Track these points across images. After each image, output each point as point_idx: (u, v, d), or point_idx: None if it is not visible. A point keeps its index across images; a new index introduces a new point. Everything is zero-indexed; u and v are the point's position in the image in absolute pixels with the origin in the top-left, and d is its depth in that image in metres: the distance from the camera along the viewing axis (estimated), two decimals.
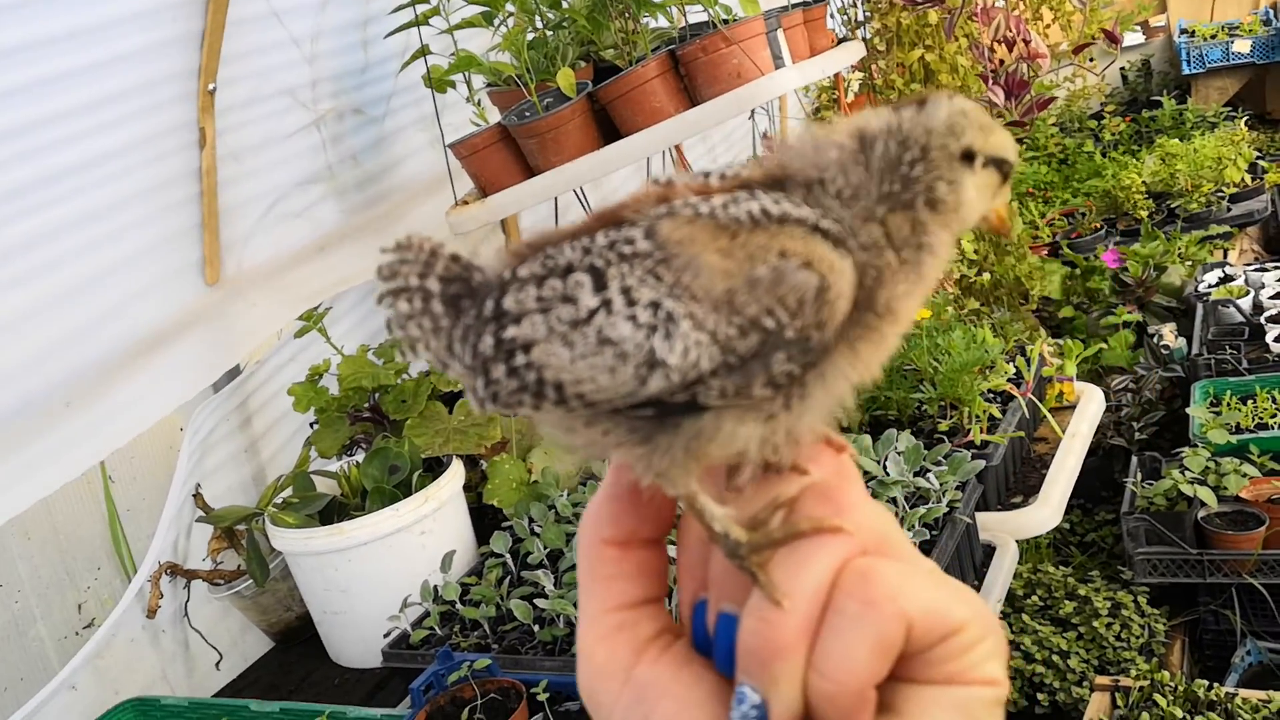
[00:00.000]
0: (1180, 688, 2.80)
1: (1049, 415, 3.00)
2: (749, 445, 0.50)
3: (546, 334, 0.50)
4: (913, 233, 0.51)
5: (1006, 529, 2.56)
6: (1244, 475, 3.39)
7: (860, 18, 4.12)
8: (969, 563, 2.38)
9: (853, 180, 0.51)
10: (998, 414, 2.78)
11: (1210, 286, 4.84)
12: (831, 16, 3.62)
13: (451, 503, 2.75)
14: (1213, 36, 7.80)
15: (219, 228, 2.87)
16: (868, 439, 2.45)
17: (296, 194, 3.15)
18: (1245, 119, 6.99)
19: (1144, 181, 6.16)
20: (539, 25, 2.98)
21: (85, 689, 2.59)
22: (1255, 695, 2.77)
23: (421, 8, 2.89)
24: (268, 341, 3.17)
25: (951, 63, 3.99)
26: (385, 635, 2.52)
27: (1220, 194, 5.94)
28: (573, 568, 2.46)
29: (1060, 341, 3.67)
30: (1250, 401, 3.80)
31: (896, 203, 0.51)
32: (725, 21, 2.71)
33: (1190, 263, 5.28)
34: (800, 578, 0.47)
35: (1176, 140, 6.58)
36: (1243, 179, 6.02)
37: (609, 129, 2.81)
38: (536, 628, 2.35)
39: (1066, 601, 3.53)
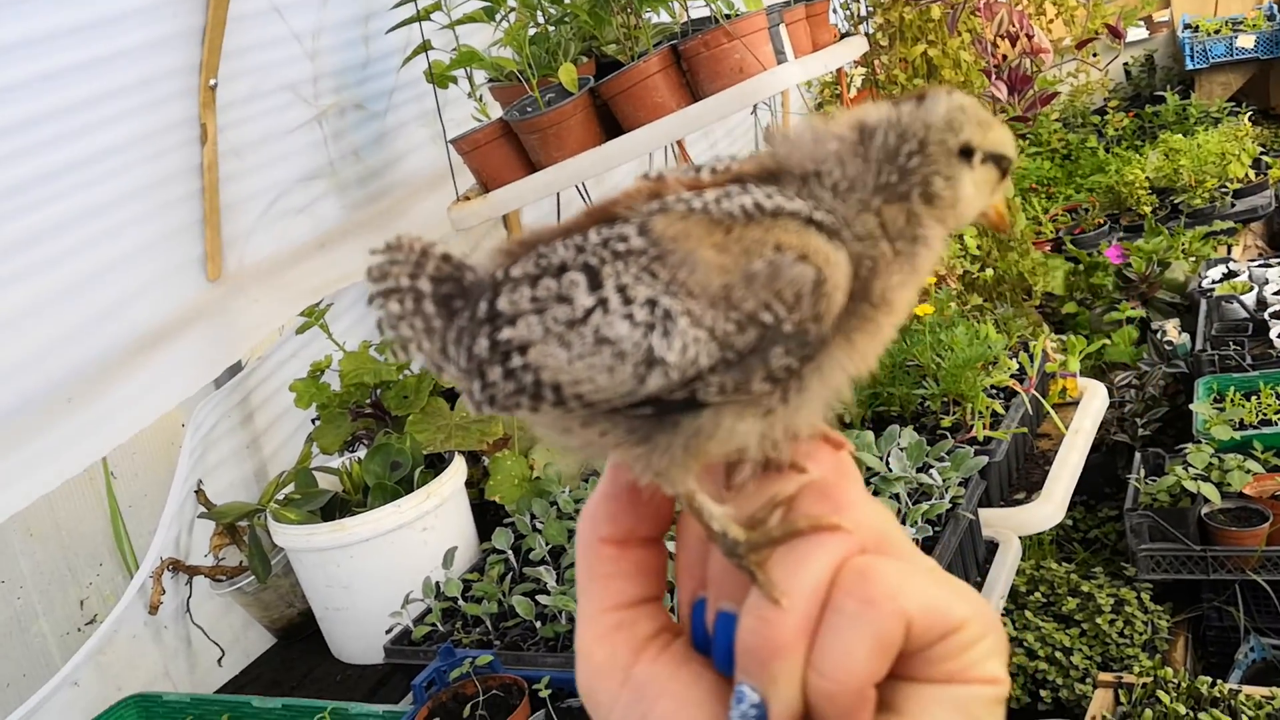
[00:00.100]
0: (1183, 684, 2.80)
1: (1052, 411, 2.99)
2: (748, 441, 0.50)
3: (543, 335, 0.49)
4: (907, 225, 0.51)
5: (1009, 525, 2.56)
6: (1247, 471, 3.39)
7: (863, 12, 4.11)
8: (972, 559, 2.37)
9: (849, 172, 0.51)
10: (1000, 410, 2.77)
11: (1214, 282, 4.83)
12: (834, 11, 3.61)
13: (453, 499, 2.75)
14: (1216, 31, 7.78)
15: (220, 223, 2.86)
16: (870, 435, 2.45)
17: (298, 190, 3.15)
18: (1249, 114, 6.97)
19: (1147, 177, 6.15)
20: (541, 20, 2.97)
21: (87, 685, 2.59)
22: (1259, 692, 2.76)
23: (423, 3, 2.89)
24: (269, 337, 3.17)
25: (954, 58, 3.98)
26: (387, 632, 2.51)
27: (1224, 189, 5.92)
28: (575, 564, 2.46)
29: (1063, 337, 3.66)
30: (1254, 397, 3.79)
31: (892, 195, 0.51)
32: (727, 16, 2.70)
33: (1194, 258, 5.27)
34: (799, 576, 0.47)
35: (1180, 136, 6.56)
36: (1246, 174, 6.00)
37: (611, 124, 2.80)
38: (538, 624, 2.35)
39: (1069, 598, 3.52)
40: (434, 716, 2.09)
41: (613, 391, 0.49)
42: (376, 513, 2.61)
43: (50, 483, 2.45)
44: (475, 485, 2.98)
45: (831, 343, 0.50)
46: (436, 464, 2.82)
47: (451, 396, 2.96)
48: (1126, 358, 4.65)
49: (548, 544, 2.57)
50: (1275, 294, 4.57)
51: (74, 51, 2.30)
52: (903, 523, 2.19)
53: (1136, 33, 8.35)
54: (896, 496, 2.29)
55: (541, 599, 2.34)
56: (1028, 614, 3.50)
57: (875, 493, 2.29)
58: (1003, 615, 3.53)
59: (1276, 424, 3.66)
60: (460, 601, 2.50)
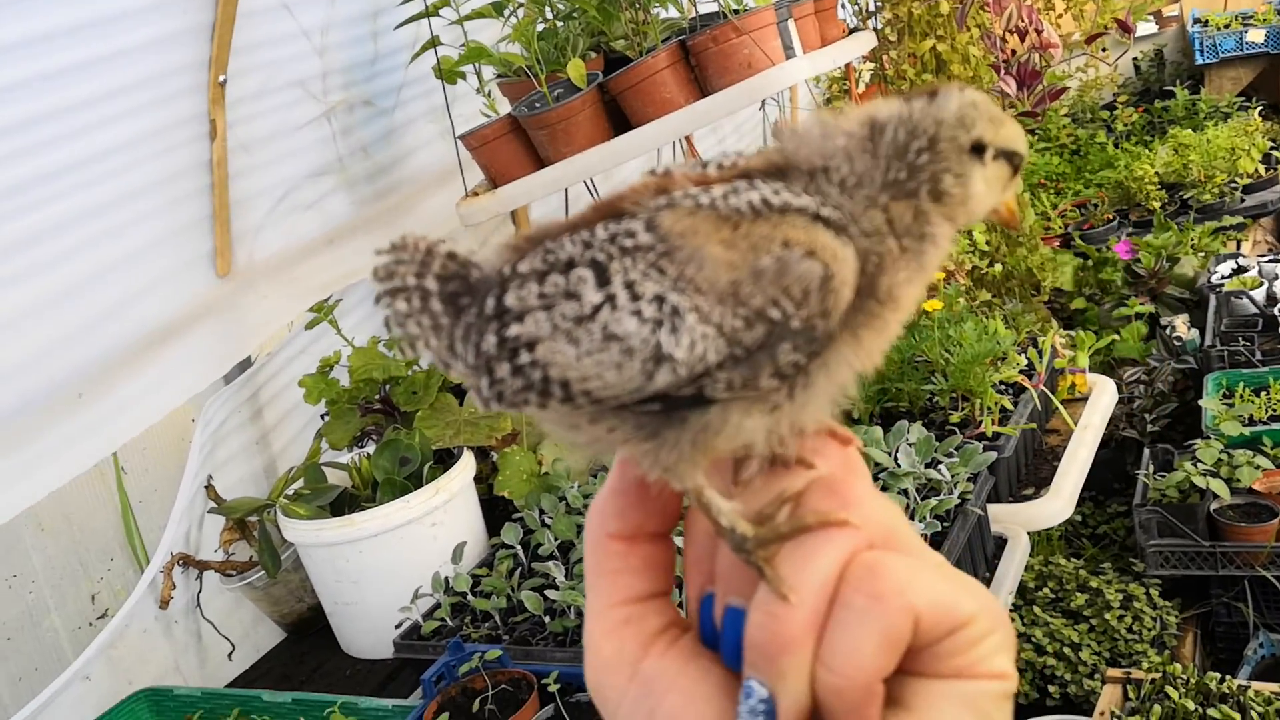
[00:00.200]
0: (1192, 680, 2.79)
1: (1061, 407, 2.99)
2: (755, 437, 0.50)
3: (551, 331, 0.49)
4: (915, 222, 0.51)
5: (1018, 521, 2.56)
6: (1257, 467, 3.38)
7: (871, 7, 4.10)
8: (980, 555, 2.37)
9: (857, 168, 0.51)
10: (1009, 406, 2.77)
11: (1223, 278, 4.81)
12: (842, 6, 3.61)
13: (462, 494, 2.76)
14: (1226, 26, 7.74)
15: (230, 219, 2.87)
16: (879, 430, 2.45)
17: (307, 186, 3.15)
18: (1259, 109, 6.94)
19: (1157, 172, 6.13)
20: (549, 16, 2.97)
21: (99, 679, 2.60)
22: (1268, 688, 2.76)
23: None
24: (279, 333, 3.17)
25: (963, 53, 3.97)
26: (396, 626, 2.52)
27: (1234, 185, 5.90)
28: (583, 559, 2.46)
29: (1072, 333, 3.66)
30: (1263, 393, 3.78)
31: (901, 191, 0.51)
32: (736, 11, 2.70)
33: (1203, 254, 5.25)
34: (806, 572, 0.47)
35: (1189, 131, 6.54)
36: (1256, 170, 5.98)
37: (619, 120, 2.81)
38: (547, 619, 2.35)
39: (1078, 594, 3.52)
40: (443, 711, 2.09)
41: (621, 388, 0.49)
42: (385, 508, 2.62)
43: (61, 478, 2.46)
44: (484, 480, 2.99)
45: (838, 339, 0.50)
46: (445, 459, 2.83)
47: (460, 392, 2.96)
48: (1135, 353, 4.64)
49: (556, 539, 2.58)
50: None
51: (84, 48, 2.30)
52: (911, 518, 2.19)
53: (1146, 27, 8.32)
54: (905, 492, 2.28)
55: (550, 594, 2.35)
56: (1036, 610, 3.50)
57: (884, 488, 2.29)
58: (1011, 611, 3.53)
59: None
60: (469, 596, 2.51)
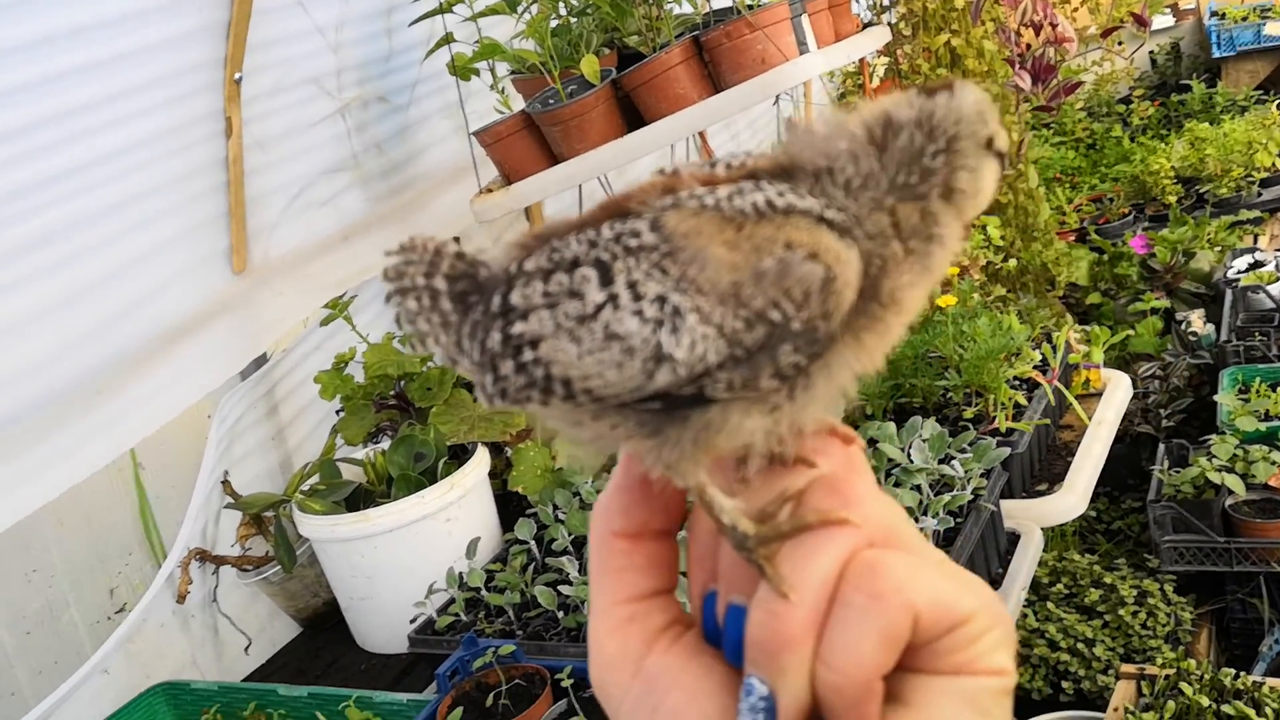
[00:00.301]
0: (1206, 676, 2.79)
1: (1075, 402, 2.98)
2: (755, 437, 0.50)
3: (554, 329, 0.50)
4: (923, 222, 0.51)
5: (1031, 516, 2.55)
6: (1272, 463, 3.36)
7: (886, 2, 4.09)
8: (993, 550, 2.37)
9: (862, 169, 0.50)
10: (1023, 401, 2.77)
11: (1239, 272, 4.79)
12: (856, 1, 3.60)
13: (476, 490, 2.77)
14: (1243, 19, 7.70)
15: (245, 217, 2.89)
16: (892, 426, 2.45)
17: (322, 182, 3.17)
18: (1276, 103, 6.90)
19: (1173, 166, 6.10)
20: (563, 12, 2.98)
21: (117, 673, 2.62)
22: None
23: None
24: (294, 329, 3.19)
25: (978, 47, 3.96)
26: (411, 621, 2.54)
27: (1250, 179, 5.87)
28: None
29: (1088, 328, 3.64)
30: (1279, 388, 3.77)
31: (909, 194, 0.51)
32: (749, 7, 2.69)
33: (1219, 248, 5.22)
34: (807, 570, 0.47)
35: (1206, 124, 6.51)
36: (1273, 163, 5.95)
37: (633, 116, 2.81)
38: (560, 614, 2.36)
39: (1092, 589, 3.51)
40: (457, 705, 2.10)
41: (621, 387, 0.49)
42: (400, 503, 2.63)
43: (80, 473, 2.48)
44: (498, 476, 3.00)
45: (840, 341, 0.50)
46: (460, 455, 2.84)
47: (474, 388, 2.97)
48: (1151, 348, 4.62)
49: (570, 534, 2.59)
50: None
51: (100, 47, 2.32)
52: (924, 514, 2.19)
53: (1163, 20, 8.28)
54: (918, 488, 2.29)
55: (564, 589, 2.36)
56: (1050, 605, 3.49)
57: (896, 484, 2.29)
58: (1025, 606, 3.53)
59: None
60: (483, 592, 2.52)
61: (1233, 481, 3.32)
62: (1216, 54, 7.76)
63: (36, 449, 2.37)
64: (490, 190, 3.01)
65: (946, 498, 2.24)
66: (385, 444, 2.91)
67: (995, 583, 2.34)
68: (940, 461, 2.38)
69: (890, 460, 2.37)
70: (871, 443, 2.42)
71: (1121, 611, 3.39)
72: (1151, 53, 8.52)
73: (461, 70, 2.99)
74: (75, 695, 2.50)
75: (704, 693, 0.50)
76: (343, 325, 3.05)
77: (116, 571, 2.82)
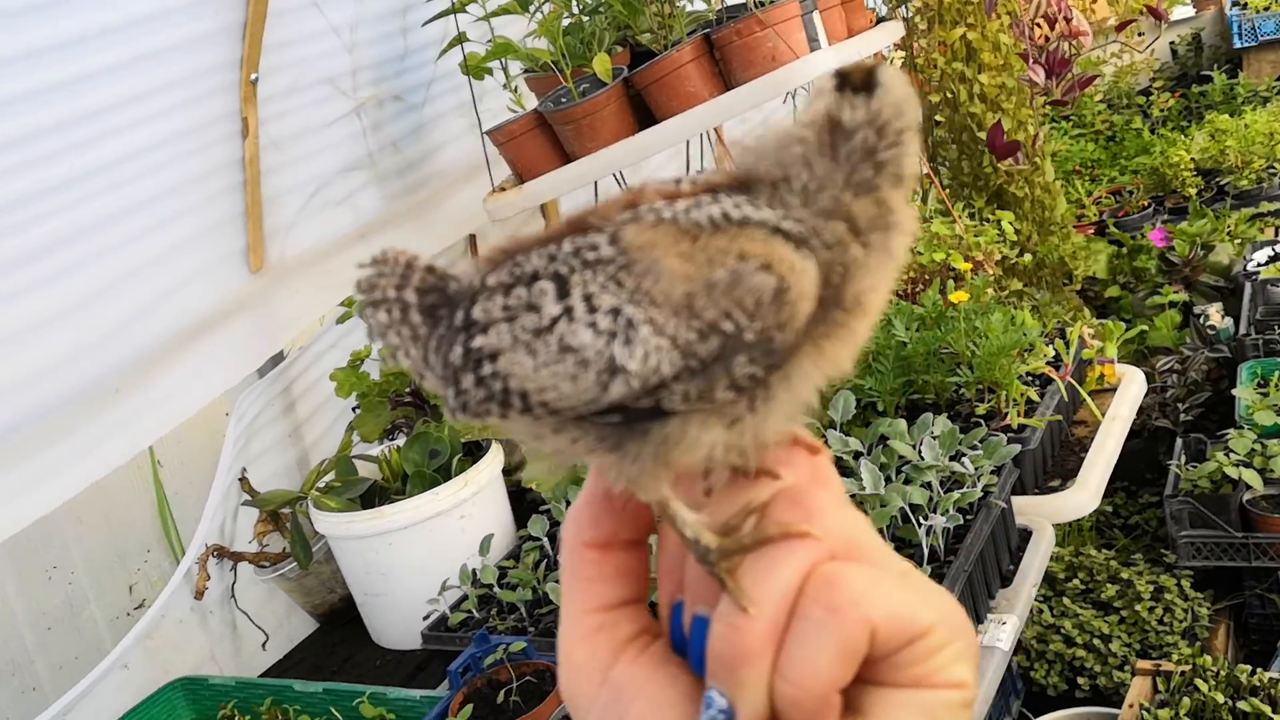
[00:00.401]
0: (1222, 673, 2.78)
1: (1088, 398, 2.97)
2: (716, 450, 0.51)
3: (511, 343, 0.50)
4: (879, 213, 0.51)
5: (1043, 513, 2.55)
6: None
7: None
8: (1004, 547, 2.37)
9: (817, 173, 0.50)
10: (1036, 397, 2.76)
11: (1259, 265, 4.75)
12: None
13: (490, 487, 2.79)
14: (1266, 8, 7.62)
15: (262, 216, 2.91)
16: (903, 423, 2.44)
17: (338, 181, 3.19)
18: None
19: (1193, 158, 6.05)
20: (575, 10, 2.98)
21: (137, 668, 2.66)
22: None
23: None
24: (311, 328, 3.22)
25: (994, 41, 3.94)
26: (425, 618, 2.56)
27: (1272, 170, 5.81)
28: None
29: (1104, 322, 3.63)
30: None
31: (864, 188, 0.50)
32: (760, 4, 2.70)
33: (1239, 241, 5.18)
34: (767, 584, 0.47)
35: (1227, 116, 6.45)
36: None
37: (645, 114, 2.81)
38: None
39: (1108, 585, 3.50)
40: (469, 702, 2.12)
41: (577, 399, 0.50)
42: (415, 500, 2.65)
43: (98, 471, 2.52)
44: (512, 473, 3.02)
45: (800, 350, 0.50)
46: (474, 452, 2.86)
47: None
48: (1169, 342, 4.60)
49: None
50: None
51: (116, 50, 2.34)
52: (933, 511, 2.19)
53: (1183, 10, 8.20)
54: (928, 485, 2.29)
55: None
56: (1066, 601, 3.49)
57: (907, 481, 2.29)
58: (1041, 602, 3.52)
59: None
60: (496, 588, 2.54)
61: (1250, 476, 3.30)
62: (1238, 44, 7.69)
63: (56, 447, 2.40)
64: (504, 189, 3.02)
65: (956, 495, 2.24)
66: (400, 441, 2.93)
67: (1006, 580, 2.34)
68: (951, 458, 2.38)
69: (901, 457, 2.37)
70: (882, 440, 2.42)
71: (1138, 607, 3.39)
72: (1172, 43, 8.44)
73: (474, 69, 3.00)
74: (95, 690, 2.54)
75: (668, 702, 0.51)
76: (359, 323, 3.06)
77: (135, 568, 2.86)
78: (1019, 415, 2.66)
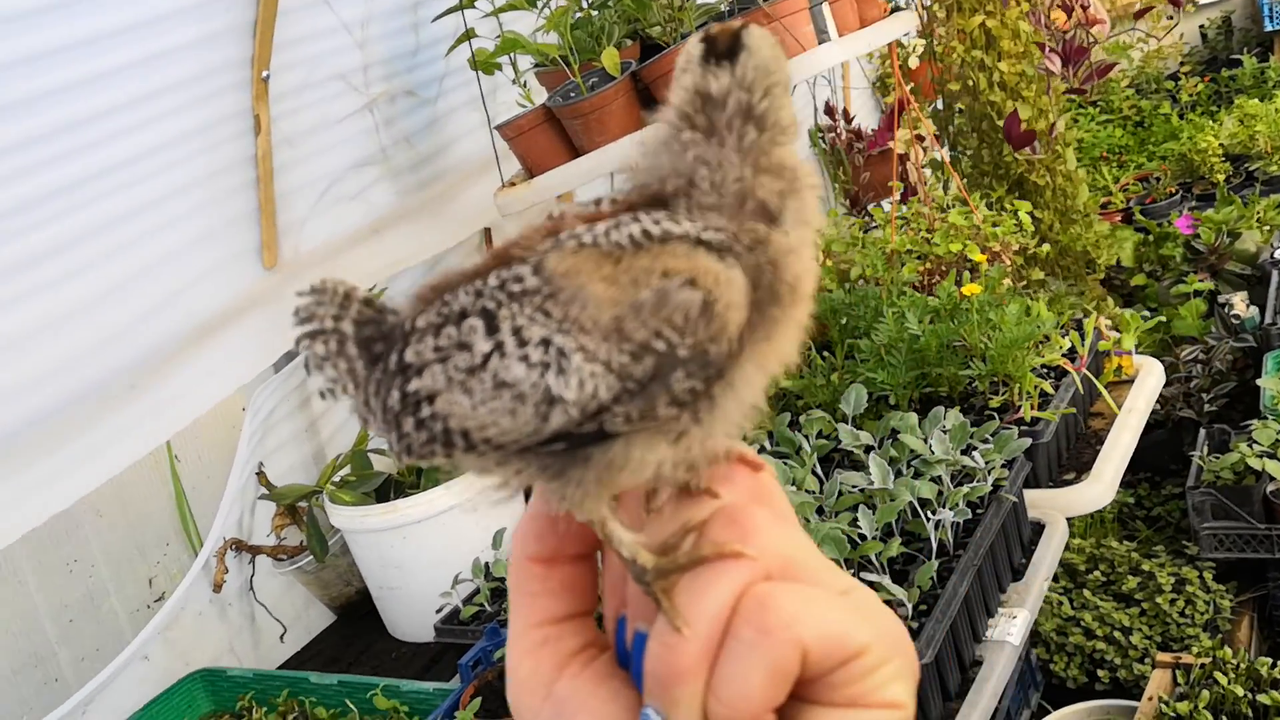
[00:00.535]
0: (1242, 665, 2.75)
1: (1104, 391, 2.94)
2: (663, 468, 0.51)
3: (446, 383, 0.50)
4: (784, 181, 0.51)
5: (1056, 506, 2.53)
6: None
7: None
8: (1015, 541, 2.35)
9: (713, 162, 0.50)
10: (1050, 390, 2.73)
11: None
12: None
13: None
14: None
15: (275, 212, 2.94)
16: (914, 417, 2.43)
17: (351, 177, 3.21)
18: None
19: (1221, 144, 5.96)
20: (584, 4, 2.98)
21: (157, 660, 2.70)
22: None
23: None
24: None
25: (1013, 28, 3.90)
26: (438, 611, 2.57)
27: None
28: None
29: (1127, 311, 3.59)
30: None
31: (757, 155, 0.50)
32: None
33: (1267, 228, 5.10)
34: (701, 604, 0.48)
35: (1257, 100, 6.35)
36: None
37: (654, 108, 2.80)
38: None
39: (1130, 577, 3.47)
40: (479, 695, 2.14)
41: (518, 433, 0.50)
42: (429, 494, 2.67)
43: (117, 466, 2.55)
44: None
45: (741, 356, 0.50)
46: None
47: None
48: (1194, 331, 4.54)
49: None
50: None
51: (130, 49, 2.37)
52: (942, 506, 2.18)
53: None
54: (938, 479, 2.27)
55: None
56: (1086, 593, 3.46)
57: (916, 475, 2.28)
58: (1060, 594, 3.50)
59: None
60: (507, 582, 2.54)
61: (1274, 467, 3.26)
62: (1269, 27, 7.57)
63: (75, 443, 2.44)
64: (514, 184, 3.03)
65: (966, 489, 2.23)
66: None
67: (1018, 574, 2.33)
68: (962, 452, 2.36)
69: (912, 451, 2.35)
70: (893, 434, 2.41)
71: (1159, 599, 3.35)
72: (1201, 27, 8.32)
73: (483, 65, 3.01)
74: (116, 681, 2.58)
75: (609, 715, 0.51)
76: None
77: (155, 561, 2.89)
78: (1032, 408, 2.64)
